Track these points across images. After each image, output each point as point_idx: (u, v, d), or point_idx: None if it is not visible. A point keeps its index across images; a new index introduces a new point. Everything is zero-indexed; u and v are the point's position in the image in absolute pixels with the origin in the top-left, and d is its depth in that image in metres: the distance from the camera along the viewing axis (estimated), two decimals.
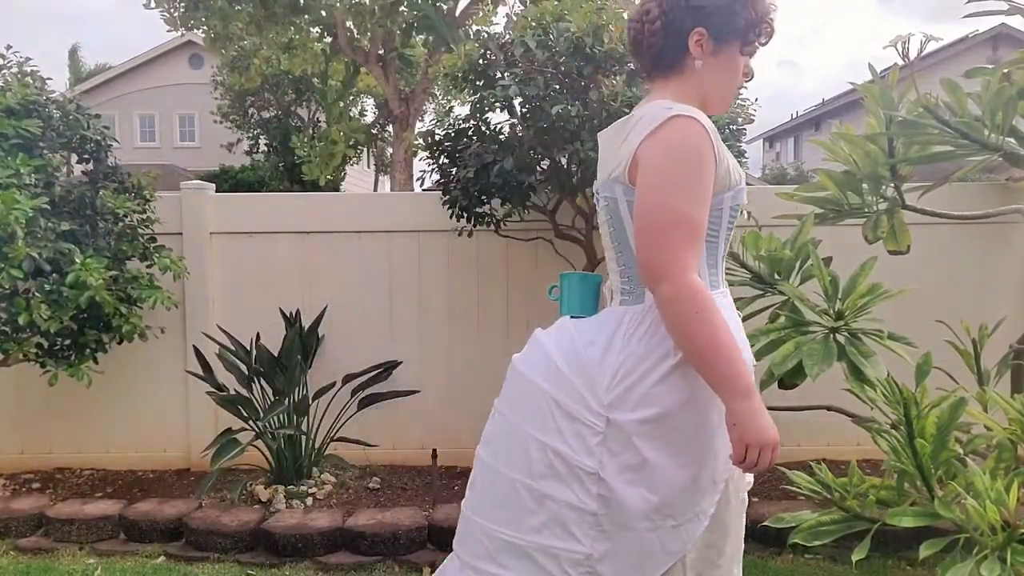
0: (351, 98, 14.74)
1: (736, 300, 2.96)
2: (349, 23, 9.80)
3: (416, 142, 3.74)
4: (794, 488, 2.90)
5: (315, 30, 11.01)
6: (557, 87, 3.14)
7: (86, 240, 3.40)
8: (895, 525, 2.39)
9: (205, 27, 9.93)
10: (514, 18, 3.42)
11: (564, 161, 3.33)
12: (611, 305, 1.69)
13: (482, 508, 1.61)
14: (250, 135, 17.72)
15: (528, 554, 1.51)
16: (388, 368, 3.90)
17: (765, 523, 2.90)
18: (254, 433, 3.53)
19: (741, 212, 2.85)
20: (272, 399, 3.64)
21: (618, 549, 1.49)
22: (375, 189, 21.89)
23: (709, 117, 1.54)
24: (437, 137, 3.61)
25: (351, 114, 14.63)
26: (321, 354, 3.97)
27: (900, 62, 2.73)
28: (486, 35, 3.36)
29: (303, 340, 3.74)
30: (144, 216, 3.69)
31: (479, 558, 1.58)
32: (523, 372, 1.64)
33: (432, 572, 2.98)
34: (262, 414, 3.53)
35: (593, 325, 1.63)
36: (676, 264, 1.42)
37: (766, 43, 1.65)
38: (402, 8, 9.20)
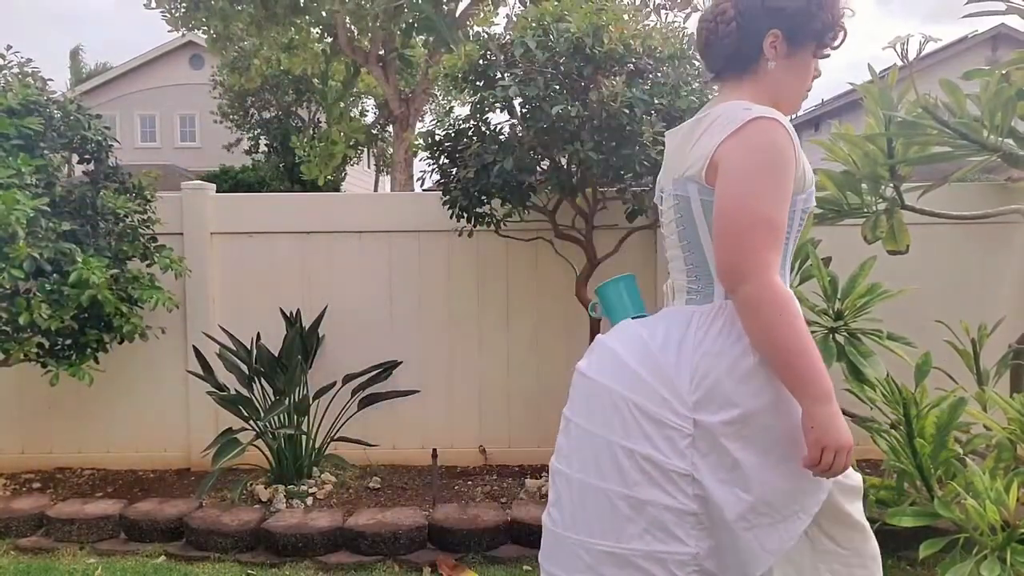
0: (351, 98, 14.75)
1: None
2: (349, 24, 9.80)
3: (416, 142, 3.74)
4: None
5: (315, 30, 11.01)
6: (557, 87, 3.14)
7: (87, 240, 3.41)
8: (895, 525, 2.39)
9: (206, 27, 9.94)
10: (514, 19, 3.43)
11: (564, 161, 3.33)
12: (673, 304, 1.67)
13: (575, 523, 1.57)
14: (250, 135, 17.72)
15: (632, 562, 1.49)
16: (388, 368, 3.90)
17: None
18: (255, 433, 3.54)
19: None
20: (272, 399, 3.65)
21: (720, 546, 1.49)
22: (375, 189, 21.89)
23: None
24: (437, 137, 3.61)
25: (351, 114, 14.63)
26: (321, 354, 3.97)
27: (899, 63, 2.73)
28: (486, 36, 3.36)
29: (303, 340, 3.74)
30: (145, 216, 3.70)
31: (579, 573, 1.55)
32: (597, 380, 1.61)
33: (432, 571, 2.98)
34: (262, 414, 3.54)
35: (659, 326, 1.61)
36: (758, 265, 1.42)
37: (838, 47, 1.63)
38: (403, 8, 9.20)
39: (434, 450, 3.58)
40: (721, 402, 1.47)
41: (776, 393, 1.47)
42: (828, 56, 1.65)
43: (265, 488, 3.55)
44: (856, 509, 1.62)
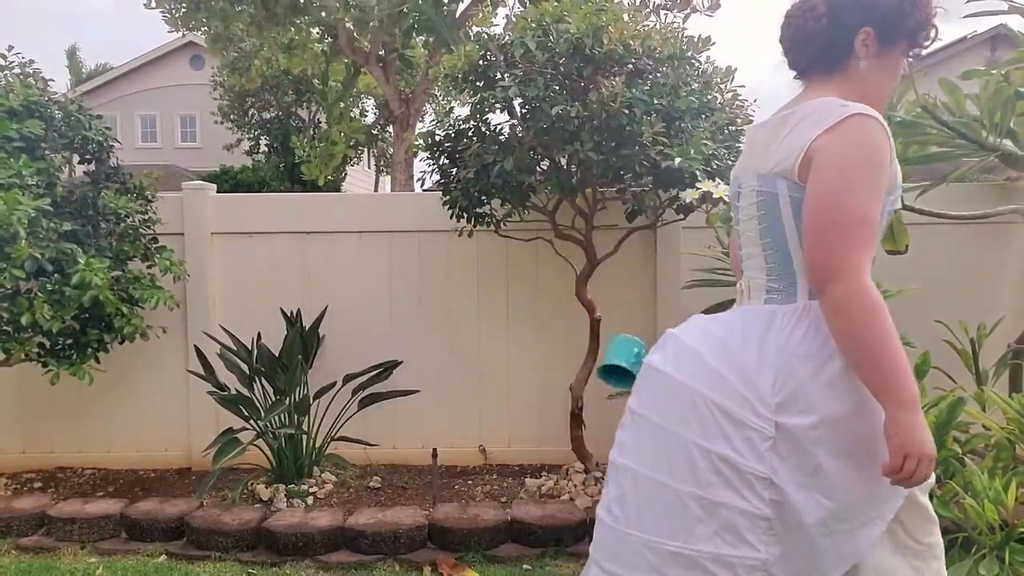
0: (351, 99, 14.76)
1: (735, 300, 2.98)
2: (349, 24, 9.81)
3: (416, 143, 3.74)
4: None
5: (315, 31, 11.02)
6: (557, 88, 3.15)
7: (88, 240, 3.42)
8: None
9: (206, 28, 9.94)
10: (514, 19, 3.43)
11: (564, 161, 3.34)
12: (750, 303, 1.63)
13: (640, 521, 1.54)
14: (250, 136, 17.74)
15: (699, 564, 1.46)
16: (388, 368, 3.91)
17: None
18: (255, 432, 3.54)
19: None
20: (273, 399, 3.66)
21: (791, 552, 1.46)
22: (376, 189, 21.91)
23: None
24: (437, 138, 3.62)
25: (351, 115, 14.64)
26: (322, 354, 3.98)
27: None
28: (486, 36, 3.37)
29: (304, 340, 3.75)
30: (146, 217, 3.71)
31: (641, 572, 1.51)
32: (674, 375, 1.57)
33: (433, 571, 2.99)
34: (263, 414, 3.55)
35: (736, 324, 1.58)
36: (852, 264, 1.39)
37: (928, 46, 1.60)
38: (404, 10, 9.21)
39: (434, 450, 3.59)
40: (805, 406, 1.44)
41: (860, 398, 1.44)
42: (919, 56, 1.61)
43: (266, 487, 3.56)
44: (928, 502, 1.60)
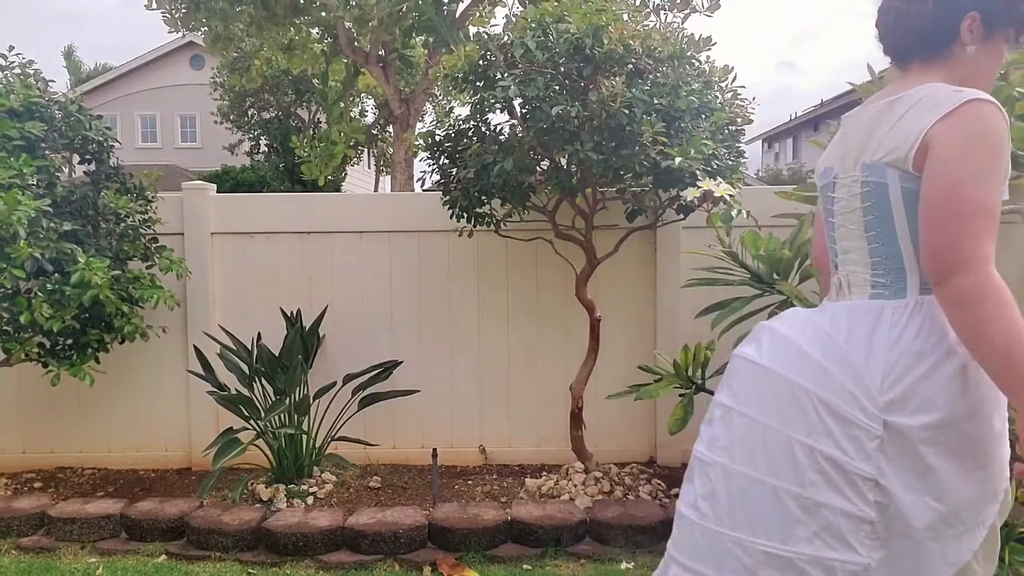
0: (351, 99, 14.76)
1: (734, 300, 2.99)
2: (349, 24, 9.81)
3: (416, 143, 3.75)
4: None
5: (315, 31, 11.02)
6: (557, 88, 3.15)
7: (88, 240, 3.42)
8: None
9: (206, 28, 9.94)
10: (514, 19, 3.43)
11: (564, 161, 3.34)
12: (851, 298, 1.57)
13: (733, 519, 1.47)
14: (250, 136, 17.75)
15: (796, 566, 1.40)
16: (388, 368, 3.91)
17: None
18: (255, 432, 3.55)
19: (740, 212, 2.85)
20: (273, 398, 3.66)
21: (894, 557, 1.40)
22: (376, 189, 21.90)
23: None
24: (437, 138, 3.62)
25: (351, 115, 14.63)
26: (322, 354, 3.98)
27: None
28: (486, 36, 3.37)
29: (304, 340, 3.75)
30: (146, 216, 3.71)
31: (733, 573, 1.46)
32: (773, 369, 1.51)
33: (433, 570, 2.99)
34: (263, 413, 3.55)
35: (841, 318, 1.51)
36: (977, 256, 1.33)
37: None
38: (404, 10, 9.20)
39: (434, 450, 3.59)
40: (919, 405, 1.38)
41: (978, 397, 1.40)
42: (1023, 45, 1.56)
43: (266, 487, 3.56)
44: None
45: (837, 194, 1.60)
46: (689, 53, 3.28)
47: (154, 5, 9.50)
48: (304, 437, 3.70)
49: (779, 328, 1.57)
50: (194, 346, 3.82)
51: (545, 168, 3.42)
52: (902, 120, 1.45)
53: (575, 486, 3.55)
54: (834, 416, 1.41)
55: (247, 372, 3.68)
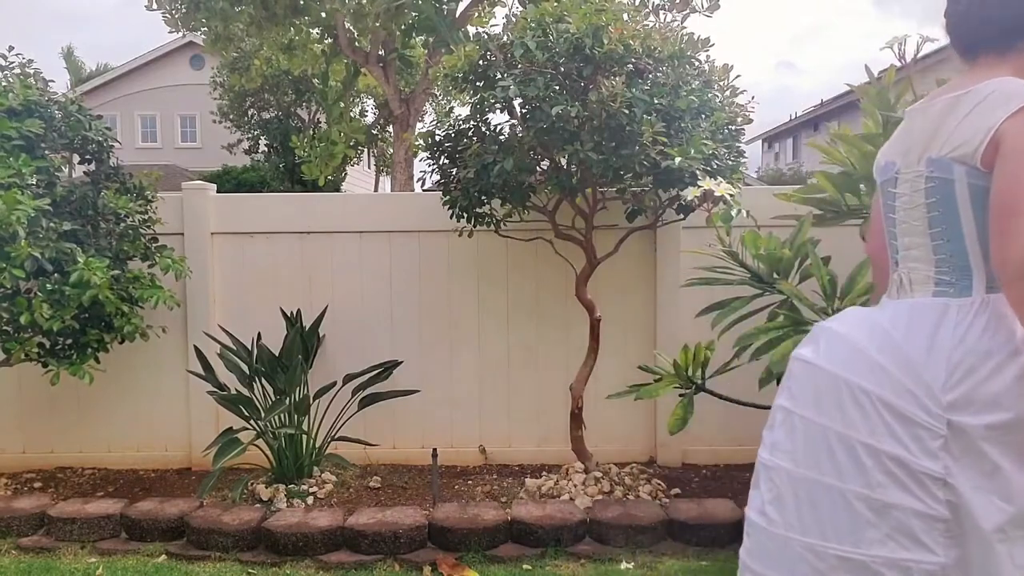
0: (351, 99, 14.76)
1: (734, 299, 2.99)
2: (349, 24, 9.81)
3: (416, 143, 3.75)
4: None
5: (315, 31, 11.02)
6: (557, 88, 3.15)
7: (88, 240, 3.42)
8: None
9: (206, 28, 9.94)
10: (514, 19, 3.43)
11: (564, 161, 3.34)
12: (912, 296, 1.54)
13: (802, 524, 1.45)
14: (249, 135, 17.75)
15: (871, 569, 1.38)
16: (388, 368, 3.91)
17: None
18: (255, 432, 3.55)
19: (740, 212, 2.85)
20: (273, 398, 3.66)
21: (968, 556, 1.38)
22: (376, 189, 21.90)
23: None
24: (437, 138, 3.62)
25: (351, 114, 14.64)
26: (322, 354, 3.98)
27: (897, 63, 2.74)
28: (486, 36, 3.37)
29: (304, 340, 3.75)
30: (146, 216, 3.71)
31: None
32: (830, 370, 1.49)
33: (433, 570, 2.99)
34: (263, 413, 3.55)
35: (902, 316, 1.49)
36: None
37: None
38: (404, 9, 9.20)
39: (434, 450, 3.59)
40: (985, 404, 1.36)
41: None
42: None
43: (266, 487, 3.56)
44: None
45: (899, 189, 1.58)
46: (689, 53, 3.28)
47: (154, 5, 9.49)
48: (304, 437, 3.70)
49: (835, 327, 1.55)
50: (194, 346, 3.82)
51: (545, 168, 3.42)
52: (971, 115, 1.42)
53: (575, 486, 3.55)
54: (895, 415, 1.39)
55: (247, 372, 3.68)
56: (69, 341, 3.44)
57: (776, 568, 1.49)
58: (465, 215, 3.54)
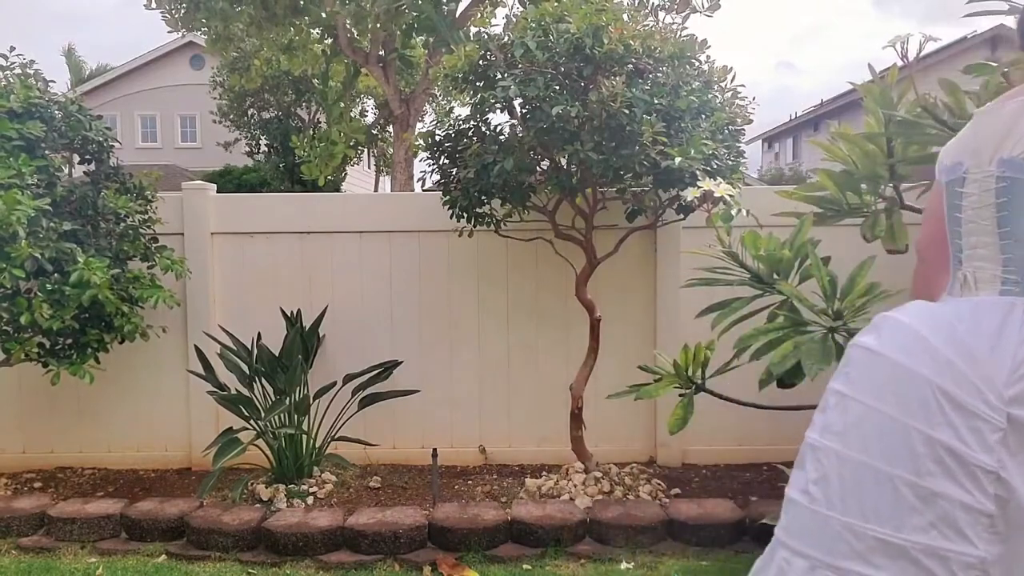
0: (351, 99, 14.76)
1: (735, 300, 2.98)
2: (349, 24, 9.80)
3: (416, 143, 3.75)
4: None
5: (315, 31, 11.01)
6: (557, 88, 3.15)
7: (88, 240, 3.42)
8: None
9: (206, 28, 9.93)
10: (514, 19, 3.43)
11: (564, 161, 3.34)
12: (978, 294, 1.55)
13: (845, 504, 1.46)
14: (249, 135, 17.75)
15: (909, 555, 1.38)
16: (388, 368, 3.91)
17: (763, 522, 2.91)
18: (255, 432, 3.55)
19: (740, 212, 2.85)
20: (273, 398, 3.66)
21: (1012, 553, 1.37)
22: (376, 189, 21.89)
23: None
24: (437, 138, 3.62)
25: (351, 114, 14.63)
26: (322, 354, 3.98)
27: (899, 62, 2.74)
28: (486, 36, 3.37)
29: (304, 340, 3.75)
30: (146, 216, 3.71)
31: (843, 557, 1.44)
32: (893, 357, 1.49)
33: (433, 570, 2.98)
34: (263, 413, 3.55)
35: (966, 311, 1.50)
36: None
37: None
38: (404, 9, 9.20)
39: (434, 450, 3.59)
40: None
41: None
42: None
43: (266, 487, 3.56)
44: None
45: (967, 189, 1.58)
46: (689, 53, 3.28)
47: (154, 5, 9.49)
48: (304, 437, 3.70)
49: (900, 317, 1.56)
50: (194, 346, 3.82)
51: (545, 168, 3.42)
52: None
53: (575, 486, 3.55)
54: (955, 406, 1.39)
55: (247, 372, 3.68)
56: (69, 341, 3.44)
57: (814, 546, 1.49)
58: (465, 215, 3.54)
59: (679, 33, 3.34)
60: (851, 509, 1.45)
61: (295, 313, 3.89)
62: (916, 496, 1.39)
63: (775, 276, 2.94)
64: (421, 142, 3.69)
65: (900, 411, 1.44)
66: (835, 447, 1.51)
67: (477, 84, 3.36)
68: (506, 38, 3.28)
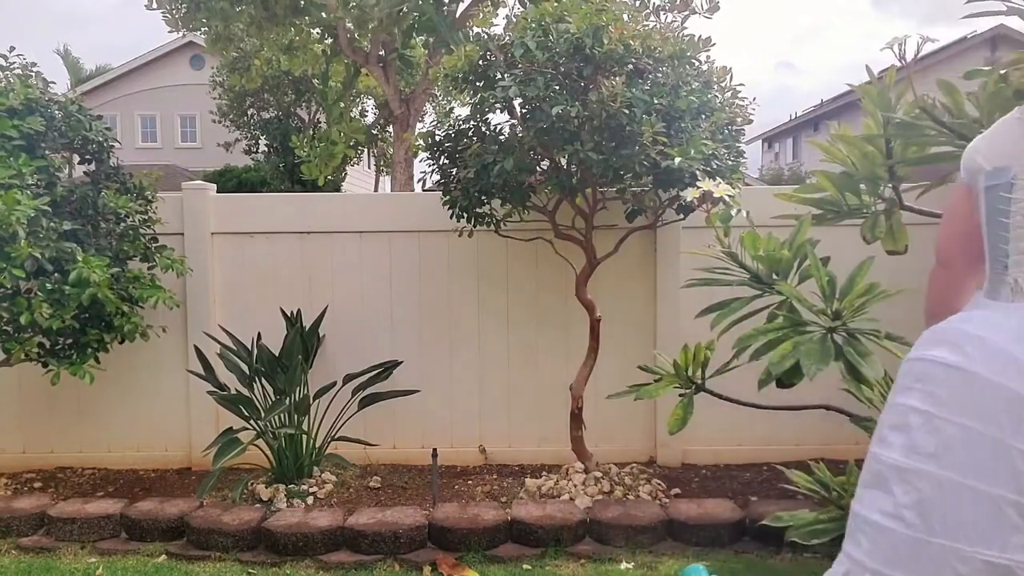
0: (351, 99, 14.76)
1: (734, 300, 2.99)
2: (350, 24, 9.81)
3: (416, 143, 3.75)
4: (792, 487, 2.91)
5: (316, 31, 11.02)
6: (557, 88, 3.15)
7: (88, 240, 3.42)
8: None
9: (206, 28, 9.94)
10: (514, 19, 3.44)
11: (564, 161, 3.34)
12: None
13: (945, 528, 1.43)
14: (249, 135, 17.75)
15: (1016, 574, 1.37)
16: (388, 368, 3.91)
17: (763, 522, 2.92)
18: (255, 432, 3.55)
19: (740, 212, 2.85)
20: (273, 398, 3.66)
21: None
22: (376, 189, 21.89)
23: None
24: (437, 138, 3.63)
25: (351, 114, 14.63)
26: (322, 354, 3.98)
27: (897, 63, 2.74)
28: (486, 36, 3.37)
29: (304, 340, 3.75)
30: (146, 216, 3.71)
31: None
32: (980, 374, 1.47)
33: (433, 570, 2.99)
34: (263, 413, 3.55)
35: None
36: None
37: None
38: (404, 10, 9.20)
39: (434, 450, 3.59)
40: None
41: None
42: None
43: (266, 487, 3.56)
44: None
45: (1015, 195, 1.57)
46: (689, 53, 3.28)
47: (154, 5, 9.49)
48: (304, 437, 3.70)
49: (976, 332, 1.54)
50: (194, 346, 3.82)
51: (545, 168, 3.42)
52: None
53: (575, 486, 3.55)
54: None
55: (247, 372, 3.68)
56: (69, 341, 3.44)
57: (915, 571, 1.47)
58: (465, 215, 3.54)
59: (679, 33, 3.34)
60: (954, 533, 1.43)
61: (295, 313, 3.89)
62: (1020, 514, 1.38)
63: (774, 276, 2.94)
64: (421, 142, 3.69)
65: (997, 429, 1.42)
66: (930, 469, 1.48)
67: (477, 84, 3.37)
68: (506, 38, 3.28)
